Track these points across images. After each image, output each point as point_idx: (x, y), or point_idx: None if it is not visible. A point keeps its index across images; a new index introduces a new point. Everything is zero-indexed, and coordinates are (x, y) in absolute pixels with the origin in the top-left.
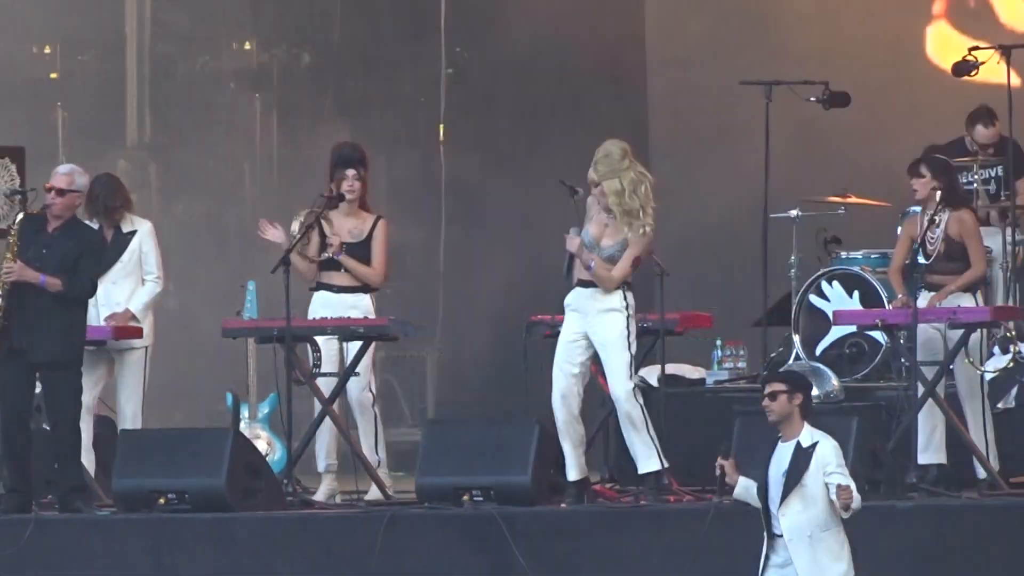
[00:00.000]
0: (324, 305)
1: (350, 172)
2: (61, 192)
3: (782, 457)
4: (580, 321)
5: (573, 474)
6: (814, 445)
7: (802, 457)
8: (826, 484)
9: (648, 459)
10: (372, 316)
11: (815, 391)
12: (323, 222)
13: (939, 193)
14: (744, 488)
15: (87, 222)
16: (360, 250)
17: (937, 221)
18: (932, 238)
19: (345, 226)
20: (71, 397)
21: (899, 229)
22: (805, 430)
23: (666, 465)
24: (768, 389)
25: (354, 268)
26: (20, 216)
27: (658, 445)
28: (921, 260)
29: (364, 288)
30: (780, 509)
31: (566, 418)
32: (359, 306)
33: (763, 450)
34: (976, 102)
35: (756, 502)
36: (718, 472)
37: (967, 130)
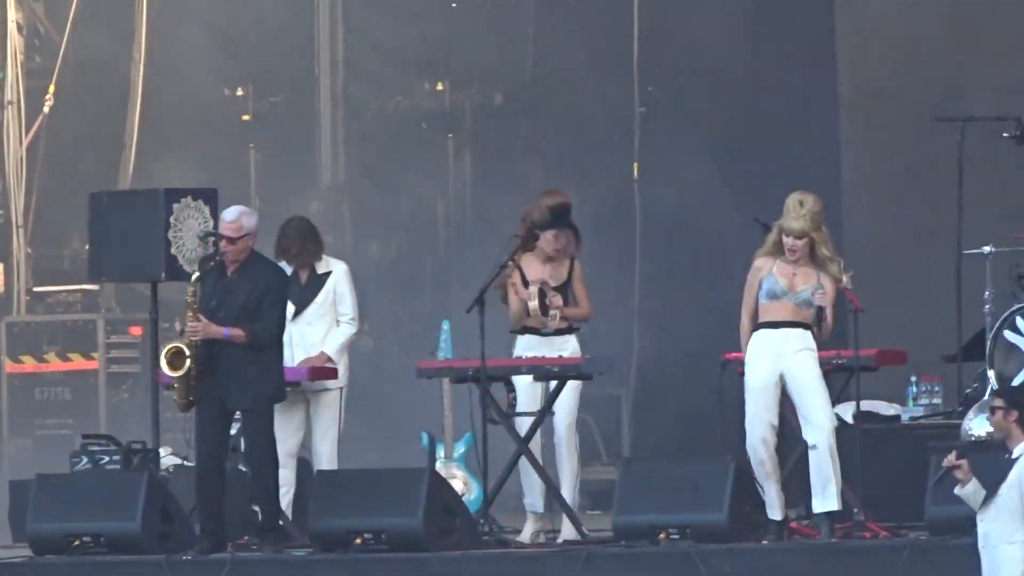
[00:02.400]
0: (531, 348)
1: (551, 234)
2: (232, 240)
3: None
4: (774, 362)
5: (775, 513)
6: (1018, 458)
7: (1007, 467)
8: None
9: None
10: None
11: None
12: (521, 266)
13: None
14: (973, 490)
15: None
16: (561, 292)
17: None
18: None
19: (543, 271)
20: (267, 439)
21: None
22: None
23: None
24: (992, 404)
25: (569, 315)
26: (195, 275)
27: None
28: None
29: (570, 329)
30: (980, 515)
31: (766, 458)
32: (567, 348)
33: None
34: None
35: (979, 506)
36: (947, 462)
37: None
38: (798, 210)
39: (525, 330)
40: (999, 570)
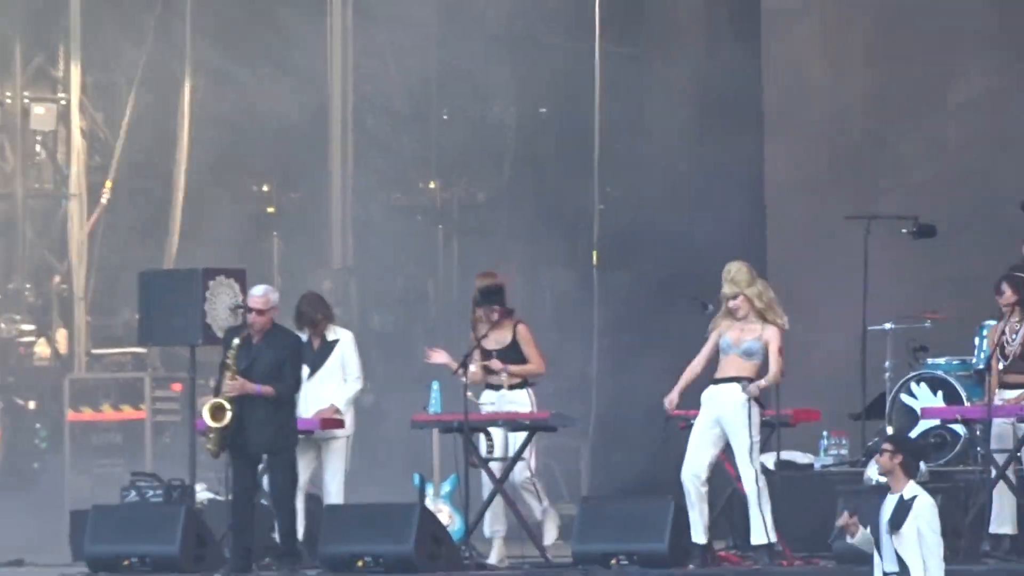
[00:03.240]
0: (490, 400)
1: (480, 311)
2: (260, 312)
3: (888, 507)
4: (713, 410)
5: (699, 537)
6: (913, 498)
7: (902, 508)
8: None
9: (760, 532)
10: (530, 407)
11: None
12: (477, 337)
13: (1018, 307)
14: (864, 537)
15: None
16: (509, 352)
17: (1017, 329)
18: (1011, 342)
19: (492, 338)
20: (287, 477)
21: (976, 340)
22: (909, 486)
23: (773, 540)
24: (880, 447)
25: (519, 372)
26: (236, 341)
27: (768, 521)
28: (999, 365)
29: (522, 384)
30: (883, 552)
31: (693, 489)
32: (517, 401)
33: (872, 509)
34: None
35: (871, 548)
36: (840, 522)
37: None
38: (727, 276)
39: (487, 386)
40: None
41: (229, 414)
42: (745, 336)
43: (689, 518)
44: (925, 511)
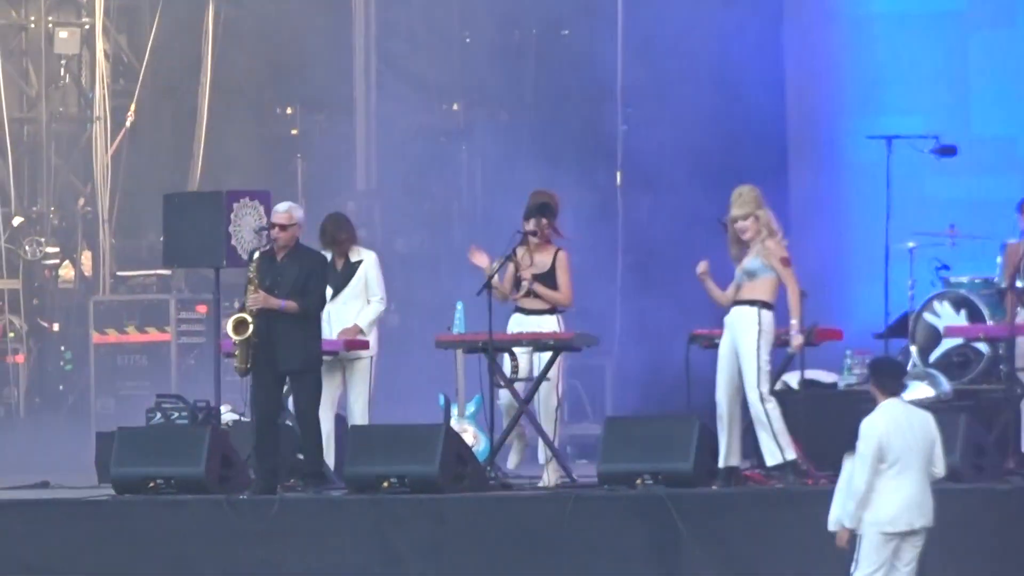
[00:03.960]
0: (518, 324)
1: (532, 220)
2: (283, 227)
3: None
4: (729, 334)
5: (723, 461)
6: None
7: None
8: None
9: (773, 454)
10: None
11: (931, 392)
12: (516, 256)
13: None
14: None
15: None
16: (547, 278)
17: None
18: None
19: (534, 260)
20: (312, 398)
21: (998, 258)
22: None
23: (790, 458)
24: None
25: (545, 294)
26: (256, 254)
27: (781, 441)
28: (1019, 284)
29: (552, 310)
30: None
31: (724, 412)
32: (545, 325)
33: None
34: None
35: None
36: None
37: None
38: (738, 198)
39: (516, 309)
40: None
41: (251, 327)
42: (751, 258)
43: (718, 439)
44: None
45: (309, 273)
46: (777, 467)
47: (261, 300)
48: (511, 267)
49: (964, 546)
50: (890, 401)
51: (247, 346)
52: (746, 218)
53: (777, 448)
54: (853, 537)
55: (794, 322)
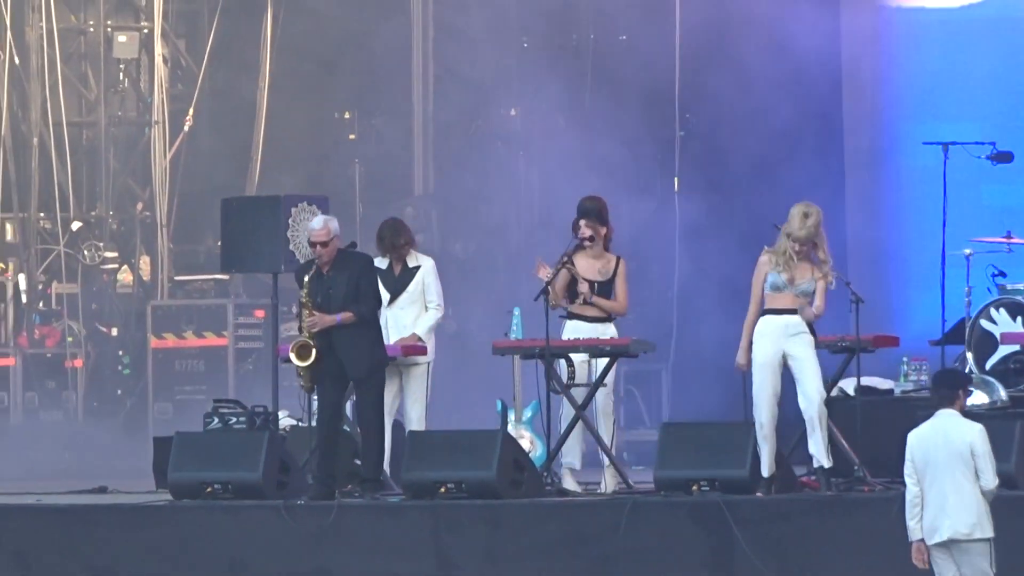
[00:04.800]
0: (576, 332)
1: (583, 222)
2: (324, 244)
3: None
4: (777, 343)
5: (767, 470)
6: None
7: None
8: None
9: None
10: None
11: (986, 399)
12: (574, 263)
13: None
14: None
15: (376, 257)
16: (606, 286)
17: None
18: None
19: (594, 266)
20: (377, 403)
21: None
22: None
23: (830, 464)
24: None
25: (602, 304)
26: (306, 279)
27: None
28: None
29: (609, 318)
30: None
31: (766, 422)
32: (605, 334)
33: None
34: None
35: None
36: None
37: None
38: (804, 221)
39: (571, 316)
40: None
41: (314, 352)
42: (802, 276)
43: (760, 450)
44: None
45: (359, 279)
46: (822, 468)
47: (318, 322)
48: (564, 273)
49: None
50: (941, 412)
51: (311, 369)
52: (805, 243)
53: (826, 450)
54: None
55: (811, 310)
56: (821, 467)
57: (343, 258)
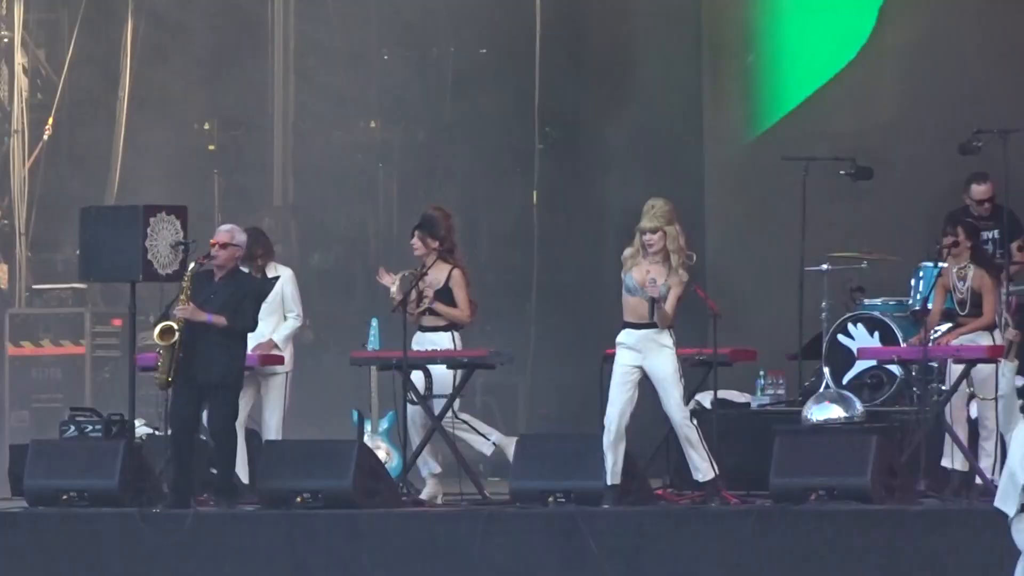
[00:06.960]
0: (417, 342)
1: (414, 235)
2: (224, 246)
3: None
4: (634, 357)
5: (612, 479)
6: None
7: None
8: None
9: (705, 470)
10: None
11: (843, 413)
12: (423, 274)
13: (969, 251)
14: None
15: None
16: (443, 295)
17: (964, 276)
18: (961, 289)
19: (431, 277)
20: (230, 414)
21: (912, 281)
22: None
23: (717, 472)
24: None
25: (443, 311)
26: (192, 265)
27: (711, 457)
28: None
29: (447, 327)
30: None
31: (612, 432)
32: (439, 343)
33: (799, 461)
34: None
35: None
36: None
37: (964, 191)
38: (650, 210)
39: (419, 328)
40: None
41: (178, 334)
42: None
43: (606, 458)
44: None
45: (244, 297)
46: (707, 482)
47: (190, 311)
48: (419, 277)
49: (874, 568)
50: None
51: (170, 357)
52: (655, 231)
53: (709, 464)
54: None
55: (666, 306)
56: (706, 480)
57: (238, 275)
